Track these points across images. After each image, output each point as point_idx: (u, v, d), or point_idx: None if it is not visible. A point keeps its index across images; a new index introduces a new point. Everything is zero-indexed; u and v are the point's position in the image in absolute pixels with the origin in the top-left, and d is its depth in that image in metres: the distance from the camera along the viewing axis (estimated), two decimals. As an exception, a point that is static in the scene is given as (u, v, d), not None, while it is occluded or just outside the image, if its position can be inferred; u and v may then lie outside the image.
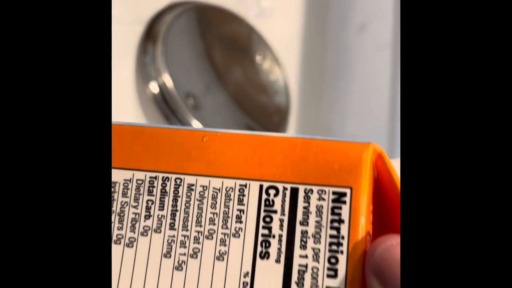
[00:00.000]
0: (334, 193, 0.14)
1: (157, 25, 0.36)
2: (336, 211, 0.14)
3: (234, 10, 0.42)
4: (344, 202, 0.14)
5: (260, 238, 0.15)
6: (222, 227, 0.15)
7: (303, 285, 0.14)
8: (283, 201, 0.15)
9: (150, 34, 0.36)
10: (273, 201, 0.15)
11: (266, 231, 0.15)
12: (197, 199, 0.15)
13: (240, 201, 0.15)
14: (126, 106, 0.36)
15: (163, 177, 0.15)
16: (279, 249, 0.14)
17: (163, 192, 0.15)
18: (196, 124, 0.35)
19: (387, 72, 0.45)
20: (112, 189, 0.16)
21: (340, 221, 0.14)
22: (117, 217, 0.15)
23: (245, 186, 0.15)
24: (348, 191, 0.14)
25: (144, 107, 0.37)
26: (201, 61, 0.38)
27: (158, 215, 0.15)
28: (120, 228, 0.15)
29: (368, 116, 0.46)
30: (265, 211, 0.15)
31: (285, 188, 0.15)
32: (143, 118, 0.37)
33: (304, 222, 0.15)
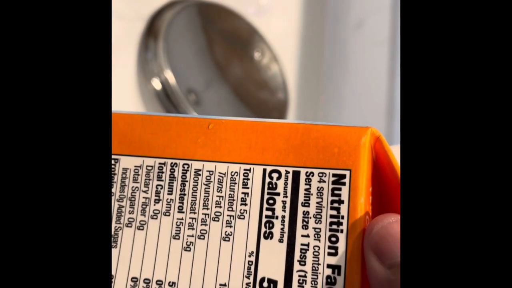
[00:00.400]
0: (334, 175, 0.15)
1: (157, 22, 0.37)
2: (336, 192, 0.15)
3: (233, 8, 0.42)
4: (344, 184, 0.15)
5: (264, 219, 0.15)
6: (228, 209, 0.16)
7: (305, 263, 0.15)
8: (286, 184, 0.15)
9: (151, 31, 0.37)
10: (276, 184, 0.16)
11: (269, 213, 0.15)
12: (204, 184, 0.16)
13: (245, 185, 0.16)
14: (127, 101, 0.36)
15: (171, 163, 0.16)
16: (282, 229, 0.15)
17: (172, 177, 0.16)
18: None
19: (384, 68, 0.46)
20: (123, 175, 0.16)
21: (340, 201, 0.15)
22: (128, 202, 0.16)
23: (249, 170, 0.16)
24: (347, 173, 0.15)
25: (146, 103, 0.37)
26: (202, 57, 0.39)
27: (167, 199, 0.16)
28: (131, 212, 0.16)
29: (365, 111, 0.47)
30: (268, 193, 0.16)
31: (287, 172, 0.16)
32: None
33: (306, 203, 0.15)
